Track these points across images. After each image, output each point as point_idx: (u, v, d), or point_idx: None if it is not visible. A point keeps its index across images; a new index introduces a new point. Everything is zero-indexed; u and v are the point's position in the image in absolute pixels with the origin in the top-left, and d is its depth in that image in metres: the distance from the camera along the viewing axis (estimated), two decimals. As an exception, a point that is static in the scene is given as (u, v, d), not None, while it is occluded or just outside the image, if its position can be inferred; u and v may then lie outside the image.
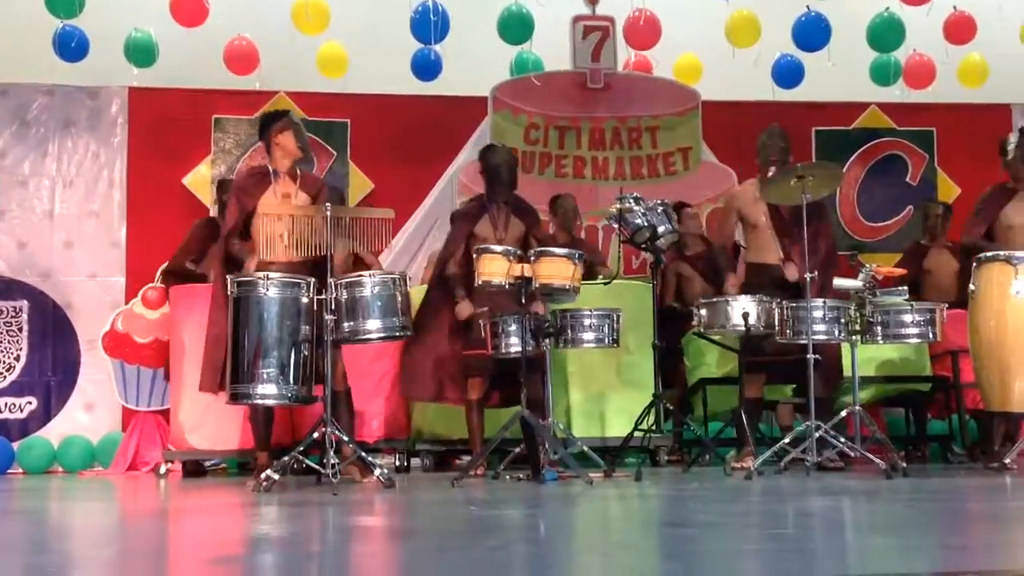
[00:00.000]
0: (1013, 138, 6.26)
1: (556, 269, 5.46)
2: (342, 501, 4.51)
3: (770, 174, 6.12)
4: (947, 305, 6.00)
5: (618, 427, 6.52)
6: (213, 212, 8.05)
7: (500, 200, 6.23)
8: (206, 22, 8.17)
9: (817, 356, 5.52)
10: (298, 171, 5.69)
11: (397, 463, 6.83)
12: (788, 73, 8.91)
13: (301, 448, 5.16)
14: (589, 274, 6.98)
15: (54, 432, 7.91)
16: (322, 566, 2.72)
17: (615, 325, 5.85)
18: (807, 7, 8.59)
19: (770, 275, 6.17)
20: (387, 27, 8.43)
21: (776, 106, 8.82)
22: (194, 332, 6.46)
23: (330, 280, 5.15)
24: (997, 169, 6.42)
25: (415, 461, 6.97)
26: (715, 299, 6.03)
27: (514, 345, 5.62)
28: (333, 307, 5.13)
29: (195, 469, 6.89)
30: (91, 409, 8.02)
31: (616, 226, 6.16)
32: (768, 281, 6.11)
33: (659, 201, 6.10)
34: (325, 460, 4.99)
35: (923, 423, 7.44)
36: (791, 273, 6.08)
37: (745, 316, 5.79)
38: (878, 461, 5.32)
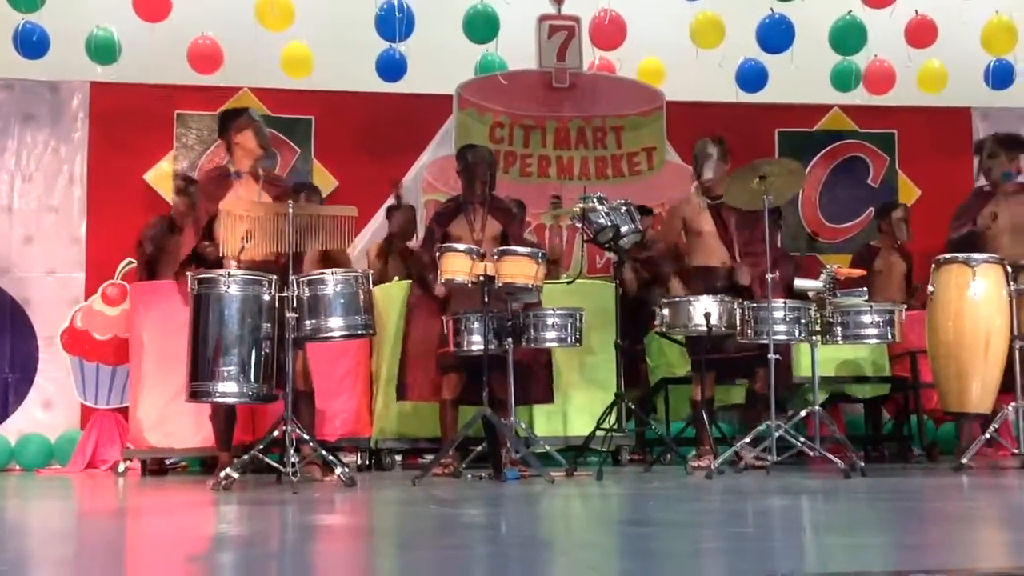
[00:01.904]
0: (989, 143, 6.32)
1: (519, 268, 5.46)
2: (302, 500, 4.49)
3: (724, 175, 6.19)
4: (906, 306, 6.07)
5: (580, 426, 6.54)
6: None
7: (477, 200, 6.21)
8: (169, 18, 8.10)
9: (779, 356, 5.55)
10: (260, 171, 5.64)
11: (359, 462, 6.81)
12: (752, 75, 8.97)
13: (261, 446, 5.13)
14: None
15: (11, 430, 7.82)
16: (281, 565, 2.71)
17: (578, 324, 5.86)
18: (771, 9, 8.64)
19: (716, 277, 6.23)
20: (352, 24, 8.40)
21: (740, 108, 8.88)
22: (154, 329, 6.43)
23: (292, 278, 5.12)
24: (957, 171, 6.53)
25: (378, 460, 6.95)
26: (678, 299, 6.06)
27: (476, 343, 5.62)
28: (295, 305, 5.11)
29: (156, 468, 6.83)
30: (49, 407, 7.93)
31: (580, 225, 6.17)
32: (714, 283, 6.16)
33: (622, 201, 6.11)
34: (285, 459, 4.96)
35: (881, 423, 7.52)
36: (743, 277, 6.13)
37: (707, 316, 5.82)
38: (837, 461, 5.36)
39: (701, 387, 6.21)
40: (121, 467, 6.72)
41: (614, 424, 5.94)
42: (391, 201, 7.94)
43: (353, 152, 8.58)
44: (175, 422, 6.37)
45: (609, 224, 5.96)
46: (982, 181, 6.60)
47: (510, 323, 5.60)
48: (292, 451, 4.95)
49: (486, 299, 5.47)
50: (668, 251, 6.65)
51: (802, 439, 5.46)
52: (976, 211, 6.29)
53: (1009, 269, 5.72)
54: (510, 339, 5.60)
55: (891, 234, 7.79)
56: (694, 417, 6.43)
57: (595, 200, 6.00)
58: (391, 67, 8.44)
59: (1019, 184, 6.30)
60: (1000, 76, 9.04)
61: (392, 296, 6.75)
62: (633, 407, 6.33)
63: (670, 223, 6.63)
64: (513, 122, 8.90)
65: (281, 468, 5.01)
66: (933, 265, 5.87)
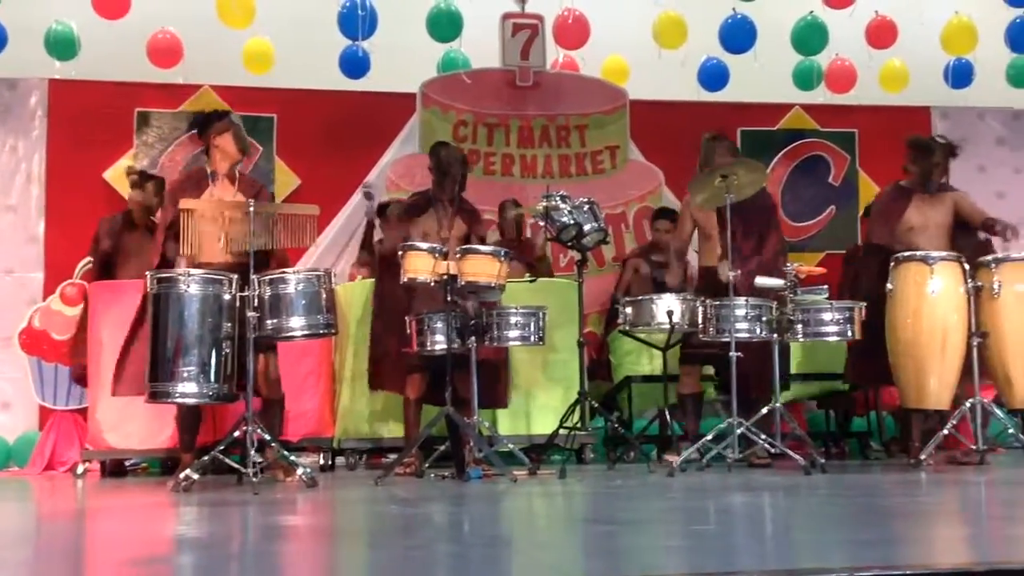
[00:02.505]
0: (939, 155, 6.30)
1: (481, 267, 5.45)
2: (263, 501, 4.46)
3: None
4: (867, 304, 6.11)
5: (543, 424, 6.54)
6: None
7: (446, 198, 6.18)
8: (129, 14, 8.03)
9: (740, 354, 5.58)
10: (237, 173, 5.63)
11: (322, 462, 6.77)
12: (714, 75, 9.01)
13: (222, 447, 5.09)
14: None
15: (-31, 431, 7.72)
16: (242, 566, 2.69)
17: (541, 323, 5.86)
18: (733, 9, 8.69)
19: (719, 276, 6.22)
20: (314, 22, 8.36)
21: (702, 107, 8.92)
22: (113, 329, 6.35)
23: (253, 277, 5.08)
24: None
25: (340, 460, 6.92)
26: (640, 297, 6.07)
27: (439, 343, 5.61)
28: (256, 304, 5.07)
29: (116, 469, 6.77)
30: (7, 408, 7.83)
31: (543, 224, 6.17)
32: (718, 283, 6.11)
33: (585, 199, 6.12)
34: (246, 460, 4.93)
35: (846, 420, 7.59)
36: (723, 272, 6.12)
37: (670, 314, 5.84)
38: (798, 458, 5.40)
39: (665, 384, 6.24)
40: (80, 469, 6.64)
41: (577, 422, 5.95)
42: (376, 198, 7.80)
43: (316, 150, 8.54)
44: (135, 423, 6.31)
45: (572, 222, 5.96)
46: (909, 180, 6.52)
47: (473, 322, 5.60)
48: (253, 452, 4.91)
49: (449, 298, 5.46)
50: (678, 252, 6.62)
51: (763, 436, 5.50)
52: (899, 215, 6.26)
53: (967, 267, 5.77)
54: (473, 338, 5.59)
55: None
56: (666, 414, 6.49)
57: (558, 199, 6.01)
58: (354, 65, 8.41)
59: (940, 185, 6.32)
60: (960, 75, 9.14)
61: (355, 295, 6.73)
62: (596, 405, 6.35)
63: (682, 224, 6.59)
64: (477, 120, 8.89)
65: (242, 469, 4.98)
66: (892, 263, 5.92)
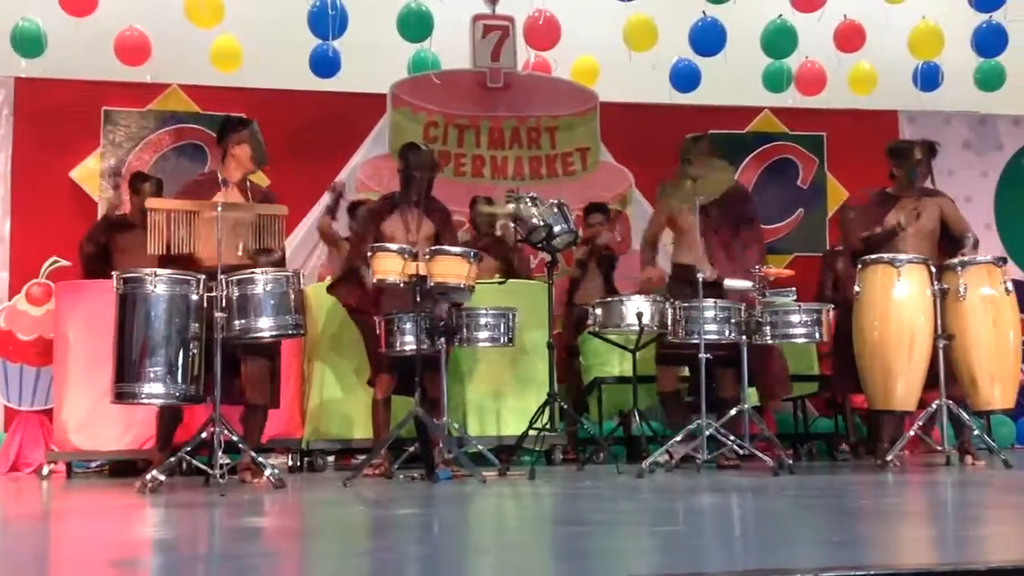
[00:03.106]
0: (918, 152, 6.35)
1: (451, 268, 5.44)
2: (230, 502, 4.43)
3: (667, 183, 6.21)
4: (834, 306, 6.15)
5: (513, 426, 6.54)
6: (102, 206, 7.88)
7: (412, 201, 6.16)
8: (96, 12, 7.96)
9: (709, 355, 5.61)
10: (248, 183, 5.62)
11: (290, 463, 6.74)
12: (685, 77, 9.05)
13: (189, 448, 5.06)
14: (509, 275, 6.94)
15: (-67, 432, 7.63)
16: (208, 568, 2.67)
17: (510, 324, 5.86)
18: (703, 12, 8.73)
19: (694, 274, 6.22)
20: (284, 21, 8.33)
21: (673, 109, 8.96)
22: (79, 329, 6.31)
23: (220, 277, 5.05)
24: (884, 174, 6.55)
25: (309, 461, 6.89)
26: (609, 299, 6.09)
27: (408, 343, 5.60)
28: (224, 304, 5.04)
29: (82, 470, 6.71)
30: (-29, 409, 7.74)
31: (512, 225, 6.17)
32: (693, 280, 6.14)
33: (555, 201, 6.12)
34: (214, 460, 4.90)
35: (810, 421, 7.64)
36: (706, 271, 6.12)
37: (639, 316, 5.86)
38: (766, 459, 5.42)
39: (636, 385, 6.25)
40: (45, 470, 6.58)
41: (547, 424, 5.96)
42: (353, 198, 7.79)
43: (285, 150, 8.47)
44: (101, 424, 6.26)
45: (542, 224, 5.97)
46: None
47: (443, 323, 5.59)
48: (220, 453, 4.88)
49: (418, 299, 5.45)
50: (649, 244, 6.62)
51: (732, 437, 5.52)
52: (881, 215, 6.32)
53: (933, 269, 5.82)
54: (443, 339, 5.58)
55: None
56: (629, 416, 6.50)
57: (528, 200, 6.01)
58: (324, 64, 8.39)
59: (923, 189, 6.38)
60: (927, 79, 9.23)
61: (323, 296, 6.69)
62: (566, 407, 6.35)
63: (656, 216, 6.62)
64: (447, 121, 8.88)
65: (209, 471, 4.94)
66: (859, 265, 5.97)
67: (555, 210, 6.02)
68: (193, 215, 5.30)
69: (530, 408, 6.16)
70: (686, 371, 6.45)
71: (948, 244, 6.21)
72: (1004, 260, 6.05)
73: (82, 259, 7.14)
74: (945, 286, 5.80)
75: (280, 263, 5.51)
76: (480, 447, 5.94)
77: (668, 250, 6.78)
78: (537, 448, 6.22)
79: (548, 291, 6.19)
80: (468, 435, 6.21)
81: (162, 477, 4.93)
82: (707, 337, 5.63)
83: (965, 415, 5.81)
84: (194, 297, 5.04)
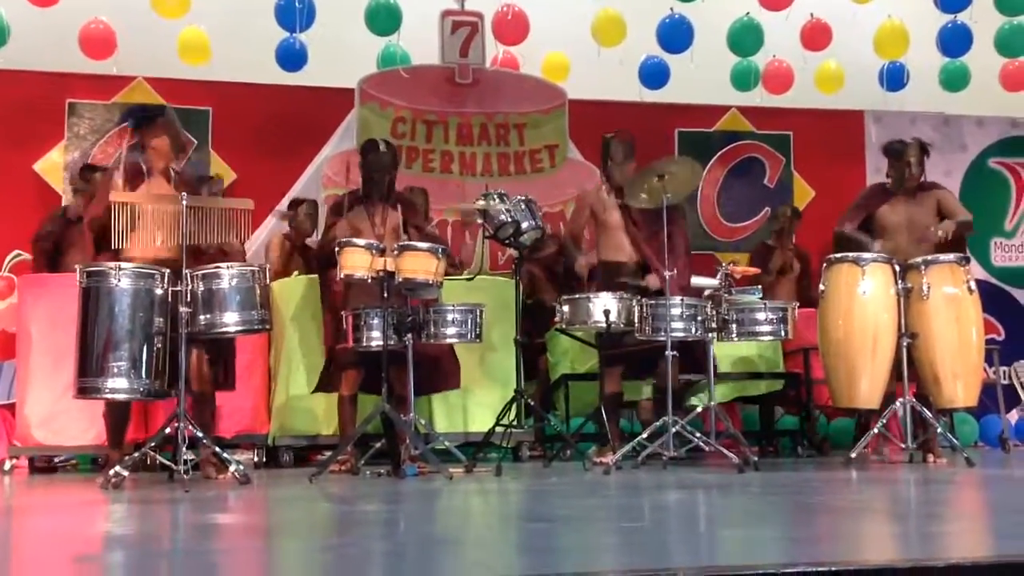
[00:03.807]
0: (913, 151, 6.42)
1: (419, 264, 5.42)
2: (194, 498, 4.40)
3: (625, 175, 6.22)
4: (798, 304, 6.20)
5: (480, 422, 6.53)
6: (66, 199, 7.80)
7: (376, 195, 6.14)
8: (60, 3, 7.88)
9: (675, 353, 5.62)
10: (172, 171, 5.56)
11: (256, 459, 6.71)
12: (653, 74, 9.07)
13: (153, 444, 5.02)
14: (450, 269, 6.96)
15: None
16: (172, 564, 2.65)
17: (478, 320, 5.85)
18: (671, 9, 8.75)
19: (622, 272, 6.27)
20: (251, 13, 8.27)
21: (641, 107, 8.98)
22: (42, 323, 6.25)
23: (185, 271, 5.01)
24: (850, 173, 6.69)
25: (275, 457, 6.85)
26: (577, 296, 6.09)
27: (375, 339, 5.58)
28: (189, 299, 5.00)
29: (45, 466, 6.64)
30: (-69, 403, 7.64)
31: (480, 221, 6.16)
32: (619, 278, 6.20)
33: (522, 197, 6.12)
34: (177, 456, 4.86)
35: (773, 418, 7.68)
36: (653, 283, 6.16)
37: (606, 313, 5.87)
38: (731, 456, 5.45)
39: (601, 382, 6.25)
40: (7, 465, 6.51)
41: (513, 420, 5.96)
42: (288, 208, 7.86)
43: (252, 145, 8.44)
44: (64, 419, 6.20)
45: (510, 220, 5.96)
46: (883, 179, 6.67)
47: (410, 319, 5.57)
48: (185, 448, 4.84)
49: (386, 295, 5.43)
50: (572, 240, 6.65)
51: (698, 434, 5.55)
52: (874, 207, 6.40)
53: (898, 268, 5.87)
54: (410, 335, 5.56)
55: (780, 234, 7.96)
56: (596, 413, 6.48)
57: (496, 196, 6.00)
58: (291, 58, 8.33)
59: (918, 184, 6.45)
60: (893, 79, 9.30)
61: (291, 291, 6.66)
62: (533, 403, 6.35)
63: (578, 213, 6.65)
64: (415, 117, 8.85)
65: (173, 466, 4.91)
66: (824, 264, 6.01)
67: (523, 206, 6.02)
68: (151, 207, 5.24)
69: (497, 404, 6.16)
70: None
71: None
72: (967, 259, 6.10)
73: (39, 255, 7.07)
74: (909, 285, 5.85)
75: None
76: (447, 443, 5.93)
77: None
78: (504, 445, 6.21)
79: (516, 287, 6.19)
80: (435, 431, 6.20)
81: (125, 473, 4.88)
82: (674, 335, 5.65)
83: (928, 413, 5.86)
84: (158, 291, 5.00)
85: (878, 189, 6.58)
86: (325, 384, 6.15)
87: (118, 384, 4.93)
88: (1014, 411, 8.86)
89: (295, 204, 7.83)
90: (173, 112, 5.70)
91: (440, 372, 6.16)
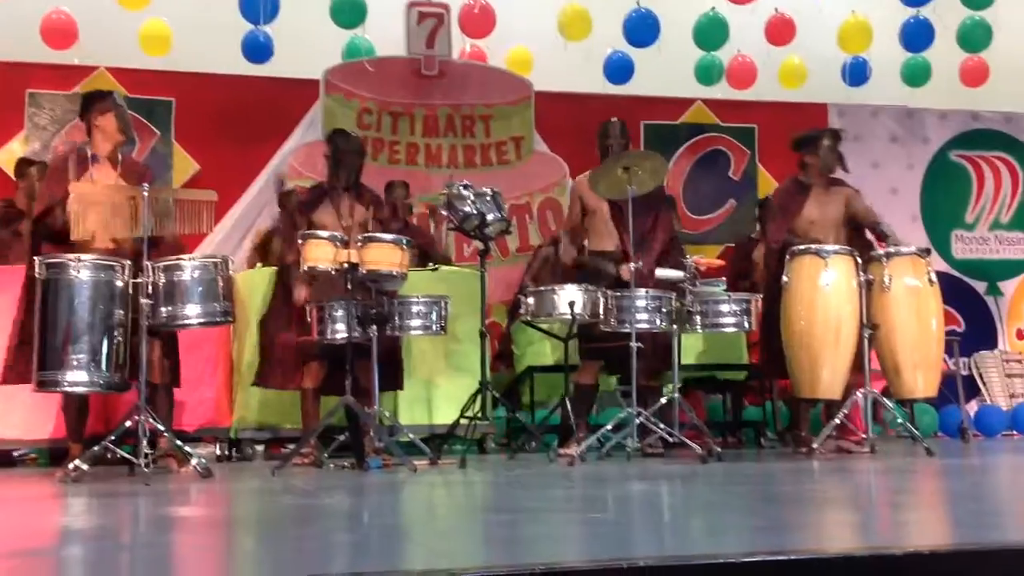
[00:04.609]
0: (827, 139, 6.44)
1: (383, 255, 5.40)
2: (155, 492, 4.36)
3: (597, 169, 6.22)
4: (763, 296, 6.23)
5: (445, 414, 6.52)
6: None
7: (342, 187, 6.11)
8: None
9: (640, 344, 5.64)
10: (120, 156, 5.46)
11: (219, 452, 6.66)
12: (619, 68, 9.09)
13: (113, 437, 4.97)
14: (424, 262, 6.96)
15: None
16: (133, 558, 2.63)
17: (443, 312, 5.84)
18: (637, 3, 8.77)
19: (609, 260, 6.26)
20: (215, 4, 8.21)
21: (607, 99, 8.99)
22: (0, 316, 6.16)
23: (146, 263, 4.95)
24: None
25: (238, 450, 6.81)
26: (542, 288, 6.09)
27: (340, 331, 5.55)
28: (150, 291, 4.95)
29: (3, 459, 6.56)
30: None
31: (445, 213, 6.14)
32: (598, 262, 6.20)
33: (488, 189, 6.10)
34: (138, 450, 4.82)
35: (739, 409, 7.72)
36: (624, 273, 6.16)
37: (571, 305, 5.87)
38: (695, 447, 5.47)
39: (567, 374, 6.26)
40: (-35, 460, 6.43)
41: (479, 412, 5.95)
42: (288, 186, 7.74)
43: (215, 136, 8.38)
44: (22, 412, 6.12)
45: (475, 212, 5.95)
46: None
47: (375, 311, 5.54)
48: (146, 442, 4.80)
49: (350, 286, 5.41)
50: (571, 233, 6.62)
51: (662, 426, 5.57)
52: (798, 207, 6.39)
53: (859, 260, 5.92)
54: (375, 327, 5.54)
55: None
56: (562, 405, 6.50)
57: (461, 188, 5.99)
58: (256, 49, 8.28)
59: (831, 179, 6.47)
60: (856, 74, 9.37)
61: (255, 283, 6.62)
62: (498, 395, 6.35)
63: (572, 206, 6.64)
64: (381, 109, 8.83)
65: (133, 460, 4.86)
66: (788, 256, 6.04)
67: (488, 198, 6.01)
68: (114, 199, 5.18)
69: (462, 396, 6.15)
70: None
71: (858, 235, 6.30)
72: (928, 251, 6.16)
73: None
74: (871, 277, 5.89)
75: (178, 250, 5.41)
76: (411, 436, 5.92)
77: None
78: (469, 437, 6.21)
79: (481, 279, 6.18)
80: (399, 423, 6.19)
81: (84, 466, 4.83)
82: (639, 326, 5.66)
83: (888, 403, 5.91)
84: (119, 283, 4.94)
85: (795, 186, 6.48)
86: (265, 378, 6.13)
87: (78, 377, 4.87)
88: (973, 402, 8.98)
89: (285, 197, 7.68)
90: (121, 98, 5.59)
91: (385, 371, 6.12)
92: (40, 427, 6.18)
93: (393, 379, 6.23)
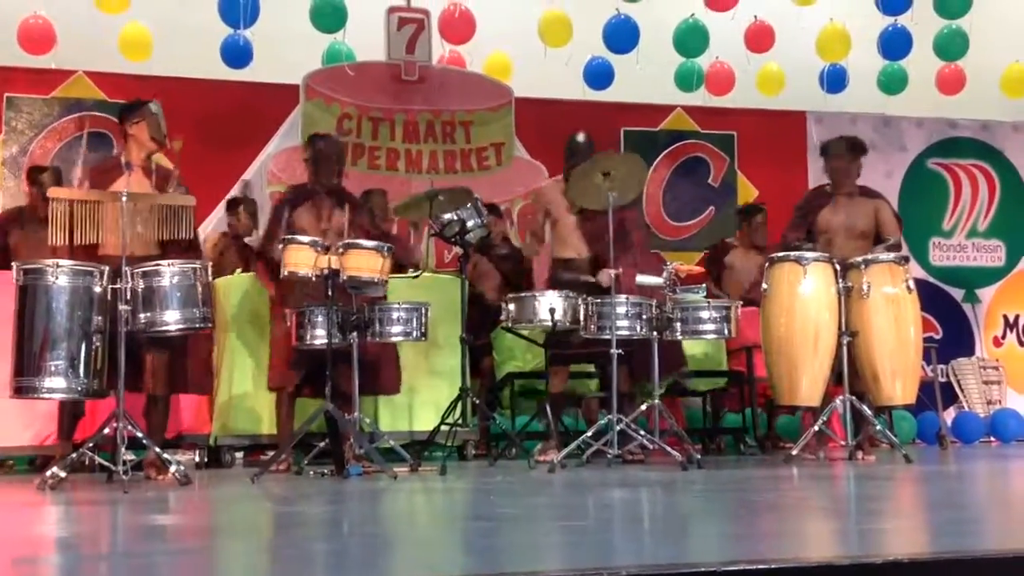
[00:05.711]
0: (831, 149, 6.49)
1: (364, 261, 5.39)
2: (133, 499, 4.33)
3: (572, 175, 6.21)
4: (742, 302, 6.25)
5: (425, 421, 6.51)
6: (3, 195, 7.66)
7: (323, 190, 6.09)
8: (-2, -4, 7.75)
9: (621, 351, 5.65)
10: (154, 165, 5.49)
11: (198, 459, 6.62)
12: (599, 74, 9.10)
13: (91, 444, 4.93)
14: (400, 269, 6.94)
15: None
16: (111, 566, 2.61)
17: (423, 319, 5.83)
18: (616, 10, 8.79)
19: (574, 269, 6.28)
20: (194, 8, 8.17)
21: (587, 106, 9.00)
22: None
23: (125, 269, 4.93)
24: (793, 172, 6.75)
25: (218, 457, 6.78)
26: (523, 294, 6.09)
27: (320, 337, 5.54)
28: (128, 297, 4.92)
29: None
30: None
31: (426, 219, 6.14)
32: (569, 275, 6.21)
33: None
34: (117, 457, 4.79)
35: (719, 416, 7.75)
36: (604, 280, 6.16)
37: (552, 311, 5.87)
38: (675, 453, 5.48)
39: (547, 381, 6.27)
40: (-58, 467, 6.38)
41: (459, 419, 5.94)
42: (234, 193, 7.78)
43: (195, 141, 8.29)
44: (2, 419, 6.07)
45: (455, 218, 5.95)
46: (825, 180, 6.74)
47: (355, 317, 5.53)
48: (124, 449, 4.77)
49: (330, 292, 5.39)
50: (533, 238, 6.63)
51: (642, 432, 5.57)
52: (815, 213, 6.44)
53: (838, 267, 5.94)
54: (355, 333, 5.52)
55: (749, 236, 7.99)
56: (541, 411, 6.50)
57: (441, 194, 5.98)
58: (236, 54, 8.25)
59: (858, 187, 6.52)
60: (834, 81, 9.42)
61: (234, 288, 6.59)
62: (478, 402, 6.35)
63: (536, 214, 6.65)
64: (361, 114, 8.81)
65: (112, 467, 4.83)
66: (767, 263, 6.07)
67: (468, 204, 6.01)
68: (97, 204, 5.17)
69: (442, 403, 6.14)
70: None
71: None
72: (906, 259, 6.20)
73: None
74: (849, 284, 5.92)
75: (191, 249, 5.44)
76: (392, 442, 5.91)
77: None
78: (449, 443, 6.20)
79: (461, 285, 6.18)
80: (379, 430, 6.17)
81: (63, 474, 4.80)
82: (619, 333, 5.67)
83: (867, 410, 5.93)
84: (97, 289, 4.91)
85: (818, 193, 6.62)
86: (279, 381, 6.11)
87: (55, 383, 4.84)
88: (951, 408, 9.02)
89: (234, 203, 7.76)
90: (159, 105, 5.59)
91: (379, 376, 6.12)
92: (18, 433, 6.13)
93: (395, 383, 6.23)
